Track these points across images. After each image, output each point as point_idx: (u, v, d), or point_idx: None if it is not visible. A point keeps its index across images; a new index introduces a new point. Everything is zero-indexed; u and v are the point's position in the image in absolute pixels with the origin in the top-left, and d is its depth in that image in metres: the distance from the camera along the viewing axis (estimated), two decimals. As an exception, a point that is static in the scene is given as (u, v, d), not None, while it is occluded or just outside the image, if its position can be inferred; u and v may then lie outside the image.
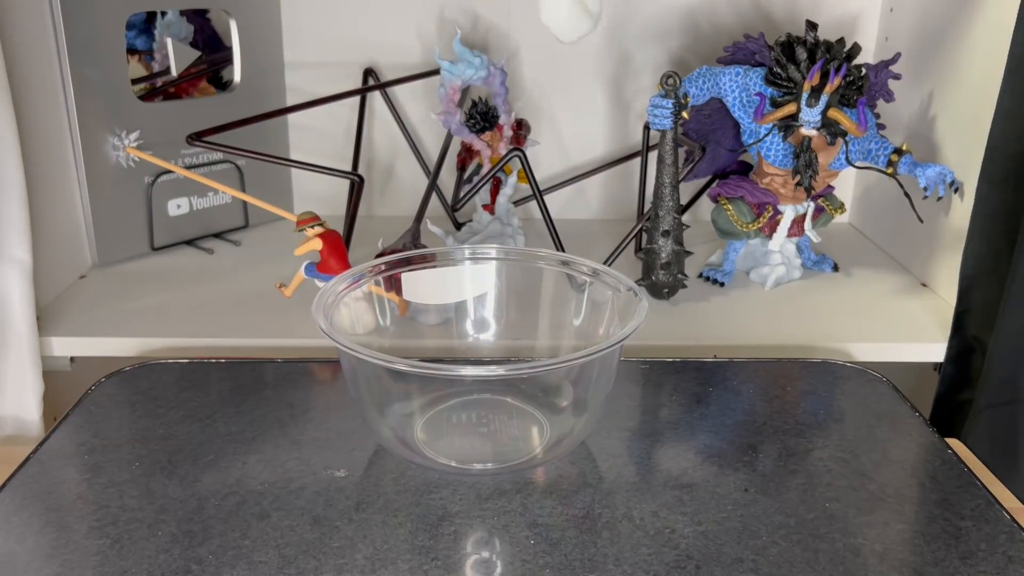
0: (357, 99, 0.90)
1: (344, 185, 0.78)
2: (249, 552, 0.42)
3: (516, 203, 0.83)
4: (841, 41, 0.70)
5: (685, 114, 0.68)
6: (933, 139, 0.77)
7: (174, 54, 0.84)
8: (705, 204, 0.83)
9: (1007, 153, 0.64)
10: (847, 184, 0.94)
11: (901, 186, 0.72)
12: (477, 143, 0.82)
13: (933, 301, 0.75)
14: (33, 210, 0.64)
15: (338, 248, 0.65)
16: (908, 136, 0.82)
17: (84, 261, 0.78)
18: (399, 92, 0.91)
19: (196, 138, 0.72)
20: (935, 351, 0.69)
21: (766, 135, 0.72)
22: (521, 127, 0.88)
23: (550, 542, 0.44)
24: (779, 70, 0.70)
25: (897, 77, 0.73)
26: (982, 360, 0.65)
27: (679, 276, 0.72)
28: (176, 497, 0.46)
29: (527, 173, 0.72)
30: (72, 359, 0.68)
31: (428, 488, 0.48)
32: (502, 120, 0.82)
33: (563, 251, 0.68)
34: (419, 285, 0.58)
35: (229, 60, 0.85)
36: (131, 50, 0.81)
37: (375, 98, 0.92)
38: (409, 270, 0.57)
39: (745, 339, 0.68)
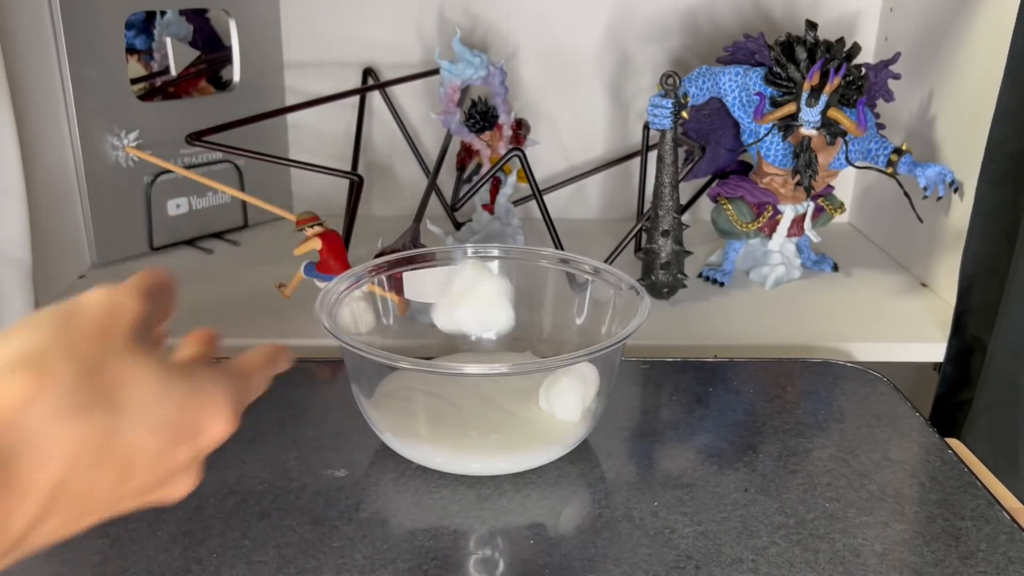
0: (356, 99, 0.90)
1: (344, 185, 0.78)
2: (249, 552, 0.42)
3: (516, 203, 0.83)
4: (841, 41, 0.70)
5: (685, 114, 0.68)
6: (933, 139, 0.77)
7: (173, 54, 0.84)
8: (705, 204, 0.83)
9: (1007, 153, 0.64)
10: (847, 184, 0.94)
11: (901, 186, 0.72)
12: (477, 143, 0.82)
13: (933, 301, 0.75)
14: (33, 210, 0.64)
15: (338, 248, 0.65)
16: (908, 136, 0.82)
17: (84, 261, 0.78)
18: (399, 92, 0.91)
19: (195, 138, 0.72)
20: (935, 351, 0.69)
21: (766, 135, 0.72)
22: (521, 127, 0.88)
23: (550, 542, 0.44)
24: (779, 70, 0.70)
25: (897, 77, 0.73)
26: (982, 360, 0.65)
27: (679, 276, 0.72)
28: (176, 497, 0.46)
29: (527, 173, 0.72)
30: (72, 359, 0.68)
31: (428, 488, 0.48)
32: (502, 120, 0.82)
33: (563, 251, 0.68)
34: (419, 285, 0.58)
35: (228, 60, 0.85)
36: (131, 50, 0.81)
37: (375, 98, 0.91)
38: (409, 270, 0.57)
39: (745, 339, 0.68)
